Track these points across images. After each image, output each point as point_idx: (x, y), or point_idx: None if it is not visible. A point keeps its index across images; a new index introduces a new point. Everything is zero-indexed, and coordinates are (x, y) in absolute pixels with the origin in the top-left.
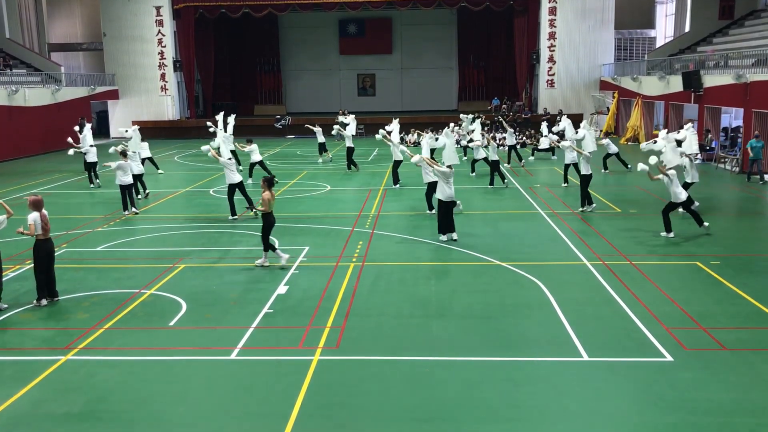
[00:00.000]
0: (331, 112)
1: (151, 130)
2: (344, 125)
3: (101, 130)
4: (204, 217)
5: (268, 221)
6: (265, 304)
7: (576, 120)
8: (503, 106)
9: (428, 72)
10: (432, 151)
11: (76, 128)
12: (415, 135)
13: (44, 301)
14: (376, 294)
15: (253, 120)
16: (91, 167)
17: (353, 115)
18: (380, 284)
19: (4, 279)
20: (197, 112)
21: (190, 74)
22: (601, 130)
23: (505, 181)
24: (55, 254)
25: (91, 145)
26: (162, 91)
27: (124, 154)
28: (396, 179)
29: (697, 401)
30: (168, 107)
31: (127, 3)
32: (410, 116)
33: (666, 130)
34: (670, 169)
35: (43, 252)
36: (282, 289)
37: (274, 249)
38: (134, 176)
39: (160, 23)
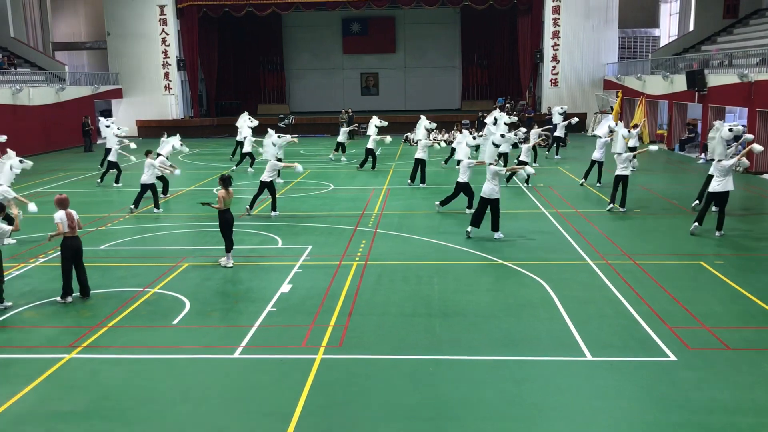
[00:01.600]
0: (335, 111)
1: (154, 129)
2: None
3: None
4: (207, 216)
5: (224, 219)
6: (269, 303)
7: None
8: (506, 105)
9: (432, 71)
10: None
11: (103, 121)
12: (444, 134)
13: (69, 299)
14: (379, 293)
15: (257, 119)
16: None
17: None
18: (383, 283)
19: (7, 277)
20: (201, 111)
21: (194, 73)
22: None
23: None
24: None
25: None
26: (166, 90)
27: (148, 153)
28: (423, 178)
29: (700, 401)
30: (171, 106)
31: (131, 2)
32: (413, 115)
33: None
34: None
35: (70, 249)
36: (285, 287)
37: (230, 249)
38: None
39: (163, 22)
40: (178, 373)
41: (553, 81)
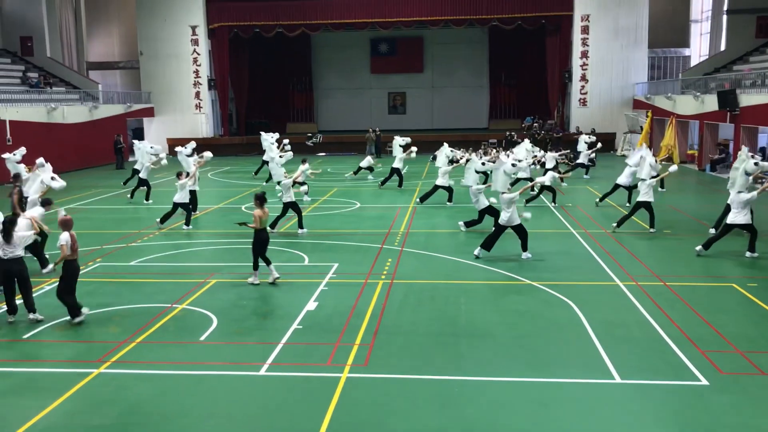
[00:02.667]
0: (362, 130)
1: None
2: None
3: None
4: (235, 233)
5: (260, 238)
6: (295, 320)
7: (607, 140)
8: (534, 125)
9: (459, 90)
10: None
11: (137, 143)
12: (463, 154)
13: (82, 317)
14: (405, 312)
15: (287, 137)
16: (143, 182)
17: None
18: (409, 302)
19: (38, 292)
20: (230, 129)
21: (224, 92)
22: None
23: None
24: (90, 268)
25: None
26: (196, 108)
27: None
28: (449, 197)
29: (733, 427)
30: (202, 125)
31: (164, 23)
32: (440, 134)
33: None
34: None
35: (73, 271)
36: (311, 305)
37: (268, 263)
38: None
39: (195, 42)
40: (205, 389)
41: (581, 101)
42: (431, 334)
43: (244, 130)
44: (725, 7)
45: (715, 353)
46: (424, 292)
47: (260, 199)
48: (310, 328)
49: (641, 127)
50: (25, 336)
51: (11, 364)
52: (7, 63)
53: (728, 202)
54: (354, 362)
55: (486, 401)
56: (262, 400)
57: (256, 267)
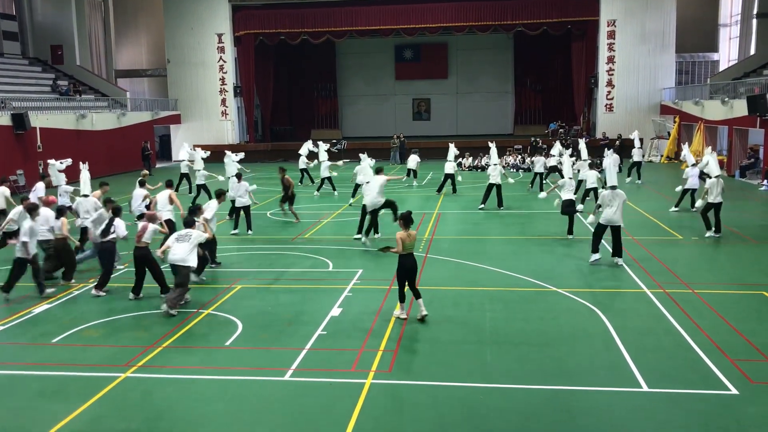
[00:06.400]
0: (386, 137)
1: (211, 154)
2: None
3: (163, 153)
4: (261, 239)
5: (403, 264)
6: (319, 326)
7: (628, 145)
8: (560, 130)
9: (484, 96)
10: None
11: (188, 154)
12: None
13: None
14: (430, 318)
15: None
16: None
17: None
18: (434, 308)
19: (66, 297)
20: (256, 136)
21: (250, 99)
22: (662, 155)
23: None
24: (117, 274)
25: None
26: (222, 115)
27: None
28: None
29: None
30: (228, 131)
31: (191, 31)
32: (465, 140)
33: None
34: None
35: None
36: (336, 311)
37: (417, 296)
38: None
39: (221, 50)
40: (230, 395)
41: (608, 106)
42: (455, 341)
43: (269, 137)
44: (755, 11)
45: (745, 362)
46: (448, 298)
47: (406, 220)
48: (335, 333)
49: (669, 133)
50: (54, 340)
51: (40, 368)
52: (38, 71)
53: None
54: (378, 368)
55: (512, 410)
56: (287, 406)
57: (402, 298)
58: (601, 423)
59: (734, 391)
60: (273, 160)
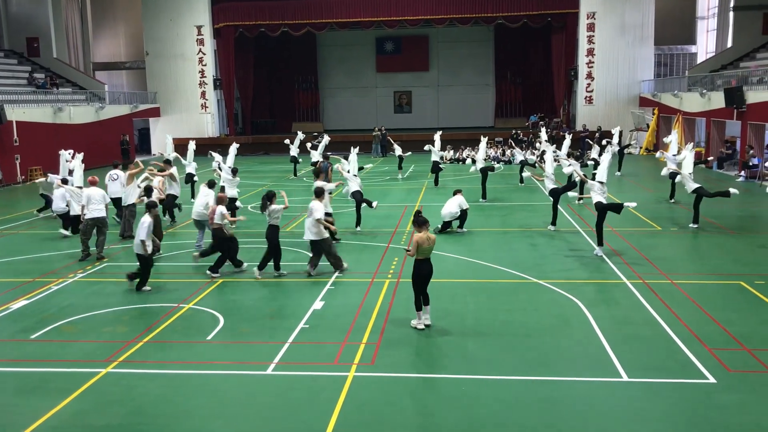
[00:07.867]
0: (368, 129)
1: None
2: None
3: (143, 146)
4: (242, 233)
5: (418, 271)
6: (301, 320)
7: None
8: (540, 123)
9: (465, 89)
10: None
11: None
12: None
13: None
14: (412, 310)
15: (291, 137)
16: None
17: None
18: None
19: (46, 292)
20: (236, 129)
21: (230, 92)
22: (641, 147)
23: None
24: (98, 268)
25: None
26: (202, 108)
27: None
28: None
29: (742, 425)
30: (208, 124)
31: (170, 23)
32: (447, 133)
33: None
34: None
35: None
36: (318, 304)
37: (425, 302)
38: None
39: (200, 42)
40: (212, 389)
41: (587, 98)
42: (438, 333)
43: (250, 130)
44: (732, 4)
45: (723, 351)
46: (430, 290)
47: (419, 221)
48: (317, 327)
49: (647, 125)
50: (33, 336)
51: (20, 364)
52: (13, 64)
53: None
54: (361, 361)
55: (494, 400)
56: (270, 399)
57: (419, 306)
58: (582, 413)
59: (712, 380)
60: (254, 153)
